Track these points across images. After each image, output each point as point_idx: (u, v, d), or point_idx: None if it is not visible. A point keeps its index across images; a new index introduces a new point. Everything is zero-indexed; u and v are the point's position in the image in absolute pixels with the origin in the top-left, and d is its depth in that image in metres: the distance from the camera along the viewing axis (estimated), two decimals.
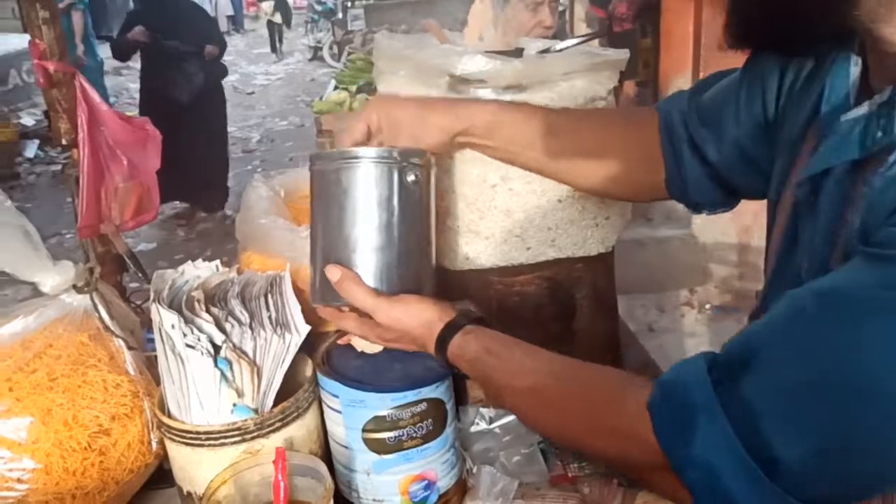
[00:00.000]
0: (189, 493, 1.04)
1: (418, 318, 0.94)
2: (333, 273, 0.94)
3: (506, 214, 1.12)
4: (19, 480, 0.98)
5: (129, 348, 1.10)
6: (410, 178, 0.96)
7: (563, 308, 1.17)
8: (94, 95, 1.10)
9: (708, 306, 3.19)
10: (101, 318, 1.08)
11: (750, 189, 0.96)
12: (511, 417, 1.21)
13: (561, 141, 1.02)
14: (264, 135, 8.59)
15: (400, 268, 0.97)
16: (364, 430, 1.06)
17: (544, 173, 1.07)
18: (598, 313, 1.20)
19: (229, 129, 5.87)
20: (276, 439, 1.02)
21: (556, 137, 1.02)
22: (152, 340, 1.09)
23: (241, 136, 8.37)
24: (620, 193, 1.10)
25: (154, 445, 1.09)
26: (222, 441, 0.99)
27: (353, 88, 4.31)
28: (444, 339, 0.93)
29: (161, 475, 1.17)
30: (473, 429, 1.20)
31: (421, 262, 1.00)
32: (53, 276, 1.05)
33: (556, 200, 1.11)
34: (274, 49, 13.42)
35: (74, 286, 1.07)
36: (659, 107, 1.05)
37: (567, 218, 1.13)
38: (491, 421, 1.21)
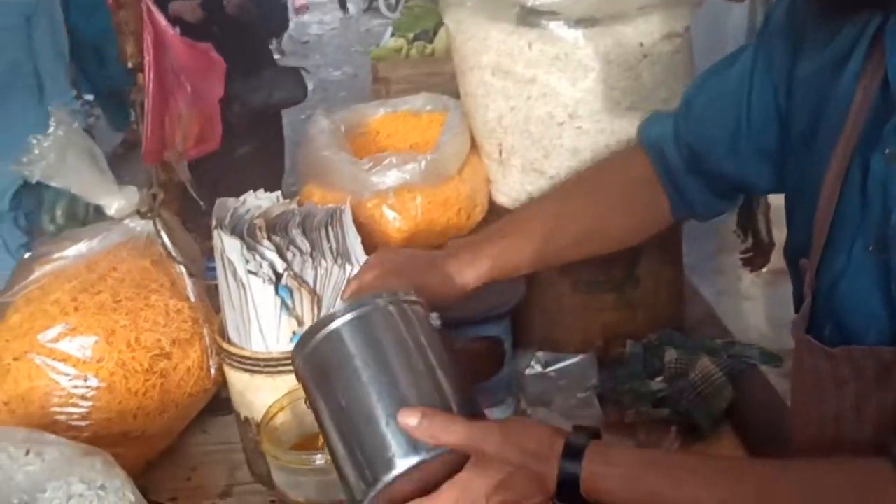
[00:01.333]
0: (246, 419, 1.05)
1: (537, 437, 0.71)
2: (410, 417, 0.70)
3: (572, 154, 1.09)
4: (83, 397, 1.00)
5: (190, 275, 1.11)
6: (417, 307, 0.78)
7: (627, 250, 1.14)
8: (160, 19, 1.09)
9: (764, 270, 3.12)
10: (163, 244, 1.09)
11: (762, 182, 0.90)
12: (566, 362, 1.20)
13: (570, 236, 0.97)
14: (318, 84, 8.57)
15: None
16: None
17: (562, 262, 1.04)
18: (663, 259, 1.17)
19: None
20: None
21: (564, 237, 0.96)
22: (212, 269, 1.09)
23: None
24: (634, 241, 1.04)
25: (213, 372, 1.10)
26: (281, 369, 1.00)
27: (410, 36, 4.26)
28: (571, 466, 0.69)
29: (218, 403, 1.18)
30: (528, 371, 1.19)
31: (469, 399, 0.77)
32: (119, 200, 1.05)
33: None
34: (344, 7, 13.21)
35: (138, 211, 1.08)
36: (644, 142, 0.99)
37: None
38: (546, 364, 1.20)
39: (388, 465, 0.70)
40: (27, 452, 0.84)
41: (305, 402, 0.80)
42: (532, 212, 1.02)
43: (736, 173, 0.91)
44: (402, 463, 0.69)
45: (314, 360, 0.76)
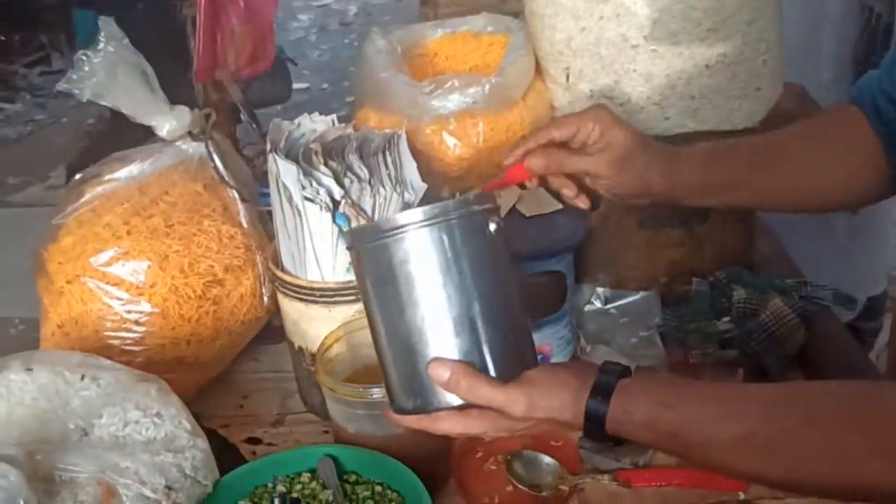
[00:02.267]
0: (300, 348, 1.03)
1: (561, 398, 0.72)
2: (440, 371, 0.70)
3: (645, 79, 1.03)
4: (137, 322, 0.98)
5: (243, 200, 1.07)
6: (492, 227, 0.73)
7: None
8: None
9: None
10: (215, 168, 1.06)
11: None
12: (628, 298, 1.15)
13: (775, 174, 0.93)
14: (361, 7, 8.41)
15: (505, 342, 0.74)
16: None
17: (764, 208, 1.01)
18: None
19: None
20: None
21: (770, 172, 0.93)
22: (265, 195, 1.06)
23: (338, 7, 8.21)
24: (848, 202, 1.01)
25: (265, 300, 1.08)
26: (337, 299, 0.97)
27: None
28: (595, 411, 0.71)
29: (270, 331, 1.17)
30: (588, 308, 1.15)
31: (523, 328, 0.77)
32: (170, 121, 1.02)
33: (703, 65, 1.01)
34: None
35: (190, 133, 1.04)
36: (856, 99, 0.91)
37: (714, 86, 1.03)
38: (607, 301, 1.16)
39: (429, 397, 0.72)
40: (82, 377, 0.83)
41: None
42: (737, 151, 0.96)
43: None
44: (409, 409, 0.74)
45: (373, 259, 0.73)
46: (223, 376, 1.13)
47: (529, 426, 0.75)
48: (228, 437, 1.04)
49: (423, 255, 0.71)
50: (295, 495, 0.84)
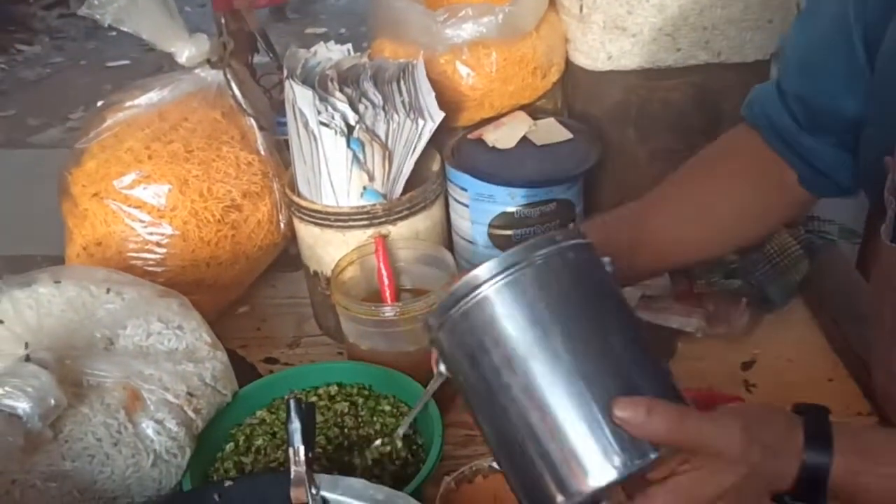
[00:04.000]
0: (315, 273, 1.06)
1: (776, 427, 0.60)
2: (632, 410, 0.54)
3: (658, 10, 1.03)
4: (158, 244, 1.02)
5: (261, 128, 1.10)
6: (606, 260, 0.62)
7: (709, 120, 1.10)
8: None
9: None
10: (233, 96, 1.08)
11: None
12: None
13: (674, 222, 0.86)
14: None
15: (657, 372, 0.60)
16: (490, 226, 1.05)
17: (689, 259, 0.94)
18: None
19: None
20: (403, 228, 1.01)
21: (669, 220, 0.86)
22: (282, 124, 1.08)
23: None
24: (765, 230, 0.95)
25: (282, 226, 1.11)
26: (351, 223, 1.00)
27: None
28: (819, 438, 0.59)
29: (287, 259, 1.20)
30: None
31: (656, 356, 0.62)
32: (189, 48, 1.04)
33: None
34: None
35: (208, 60, 1.06)
36: (750, 116, 0.86)
37: (726, 17, 1.03)
38: None
39: (598, 469, 0.55)
40: (107, 291, 0.86)
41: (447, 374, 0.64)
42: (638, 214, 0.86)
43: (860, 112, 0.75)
44: (616, 469, 0.55)
45: (461, 333, 0.59)
46: (242, 301, 1.17)
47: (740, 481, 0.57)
48: (247, 357, 1.08)
49: (556, 292, 0.57)
50: (311, 401, 0.87)
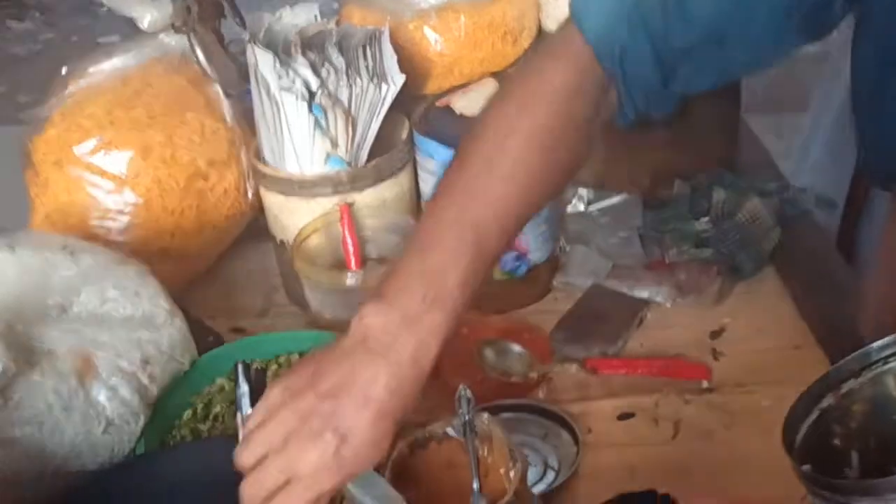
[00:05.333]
0: (282, 242, 1.05)
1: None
2: None
3: None
4: (121, 212, 1.01)
5: (227, 95, 1.08)
6: None
7: None
8: None
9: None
10: (198, 62, 1.06)
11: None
12: (611, 200, 1.16)
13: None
14: None
15: None
16: None
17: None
18: (718, 94, 1.10)
19: None
20: (369, 196, 1.00)
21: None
22: (251, 92, 1.06)
23: None
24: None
25: (249, 195, 1.10)
26: (315, 191, 0.99)
27: None
28: None
29: (256, 230, 1.18)
30: (570, 209, 1.16)
31: None
32: (151, 11, 1.02)
33: None
34: None
35: (172, 25, 1.05)
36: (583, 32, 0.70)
37: None
38: (589, 202, 1.17)
39: None
40: (64, 256, 0.85)
41: None
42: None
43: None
44: None
45: None
46: (210, 271, 1.16)
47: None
48: (214, 327, 1.07)
49: None
50: (260, 366, 0.86)
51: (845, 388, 0.59)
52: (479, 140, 0.70)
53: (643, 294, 1.04)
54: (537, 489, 0.78)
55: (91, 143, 0.99)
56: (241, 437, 0.67)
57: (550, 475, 0.82)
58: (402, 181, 1.03)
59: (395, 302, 0.62)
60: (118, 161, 0.99)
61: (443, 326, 0.62)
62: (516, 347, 0.96)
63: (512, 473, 0.69)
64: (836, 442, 0.56)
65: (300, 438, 0.58)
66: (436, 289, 0.62)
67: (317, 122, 0.94)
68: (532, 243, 1.04)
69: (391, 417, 0.60)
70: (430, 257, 0.64)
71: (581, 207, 1.16)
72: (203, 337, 0.96)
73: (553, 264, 1.09)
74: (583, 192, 1.15)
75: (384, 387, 0.60)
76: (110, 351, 0.79)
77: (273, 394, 0.61)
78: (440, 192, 0.69)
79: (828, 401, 0.58)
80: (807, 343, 0.95)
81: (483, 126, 0.71)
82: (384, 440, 0.60)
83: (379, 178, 1.00)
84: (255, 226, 1.18)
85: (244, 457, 0.59)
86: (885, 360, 0.58)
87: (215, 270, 1.17)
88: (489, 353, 0.95)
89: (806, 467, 0.54)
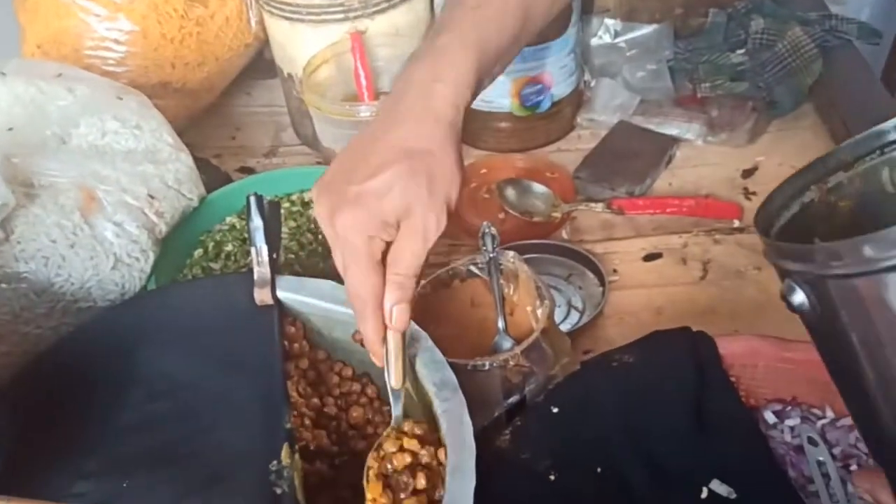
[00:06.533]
0: (290, 76, 0.99)
1: None
2: None
3: None
4: (117, 41, 0.94)
5: None
6: None
7: None
8: None
9: None
10: None
11: None
12: (640, 31, 1.08)
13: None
14: None
15: None
16: None
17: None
18: None
19: None
20: (382, 22, 0.93)
21: None
22: None
23: None
24: None
25: (253, 24, 1.02)
26: (324, 17, 0.91)
27: None
28: None
29: (262, 65, 1.12)
30: (595, 42, 1.09)
31: None
32: None
33: None
34: None
35: None
36: None
37: None
38: (616, 34, 1.09)
39: None
40: (59, 85, 0.79)
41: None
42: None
43: None
44: None
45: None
46: (215, 108, 1.10)
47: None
48: (221, 166, 1.03)
49: None
50: (274, 199, 0.82)
51: (833, 181, 0.49)
52: None
53: (672, 131, 0.98)
54: (562, 329, 0.76)
55: None
56: (255, 272, 0.64)
57: (574, 316, 0.80)
58: (416, 6, 0.95)
59: (412, 74, 0.57)
60: None
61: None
62: (539, 187, 0.92)
63: (539, 311, 0.66)
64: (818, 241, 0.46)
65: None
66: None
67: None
68: (555, 76, 0.98)
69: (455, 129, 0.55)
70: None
71: (607, 39, 1.08)
72: (210, 176, 0.91)
73: (577, 99, 1.03)
74: (609, 22, 1.07)
75: (448, 103, 0.55)
76: (114, 185, 0.74)
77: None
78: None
79: (811, 195, 0.49)
80: None
81: None
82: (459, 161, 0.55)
83: (392, 3, 0.92)
84: (261, 61, 1.11)
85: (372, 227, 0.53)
86: (883, 149, 0.48)
87: (219, 108, 1.11)
88: (510, 193, 0.91)
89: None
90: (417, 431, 0.54)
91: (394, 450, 0.53)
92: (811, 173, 0.49)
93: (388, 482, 0.51)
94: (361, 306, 0.54)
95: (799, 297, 0.43)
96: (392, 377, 0.55)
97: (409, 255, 0.53)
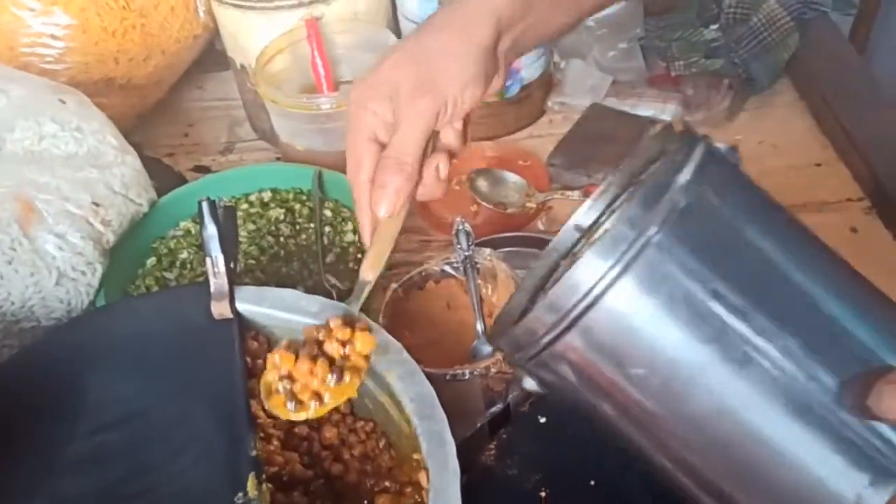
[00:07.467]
0: (243, 67, 0.93)
1: None
2: None
3: None
4: (54, 37, 0.87)
5: None
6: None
7: None
8: None
9: None
10: None
11: None
12: (606, 11, 1.04)
13: None
14: None
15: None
16: (441, 3, 0.92)
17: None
18: None
19: None
20: (339, 7, 0.88)
21: None
22: None
23: None
24: None
25: (201, 14, 0.96)
26: (277, 3, 0.86)
27: None
28: None
29: (214, 57, 1.06)
30: None
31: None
32: None
33: None
34: None
35: None
36: None
37: None
38: None
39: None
40: None
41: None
42: None
43: None
44: None
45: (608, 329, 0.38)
46: (165, 105, 1.04)
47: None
48: (174, 166, 0.97)
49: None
50: (229, 203, 0.77)
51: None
52: None
53: (647, 112, 0.95)
54: None
55: None
56: (211, 284, 0.59)
57: None
58: None
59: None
60: None
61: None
62: (511, 176, 0.87)
63: None
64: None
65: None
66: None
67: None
68: (523, 59, 0.93)
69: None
70: None
71: None
72: (162, 177, 0.86)
73: (546, 82, 0.99)
74: None
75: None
76: (54, 193, 0.68)
77: None
78: None
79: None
80: (828, 160, 0.87)
81: None
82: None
83: None
84: (213, 52, 1.05)
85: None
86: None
87: (170, 104, 1.05)
88: (481, 184, 0.87)
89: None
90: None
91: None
92: (531, 278, 0.48)
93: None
94: (351, 185, 0.54)
95: (529, 382, 0.44)
96: (364, 263, 0.54)
97: (398, 138, 0.52)
